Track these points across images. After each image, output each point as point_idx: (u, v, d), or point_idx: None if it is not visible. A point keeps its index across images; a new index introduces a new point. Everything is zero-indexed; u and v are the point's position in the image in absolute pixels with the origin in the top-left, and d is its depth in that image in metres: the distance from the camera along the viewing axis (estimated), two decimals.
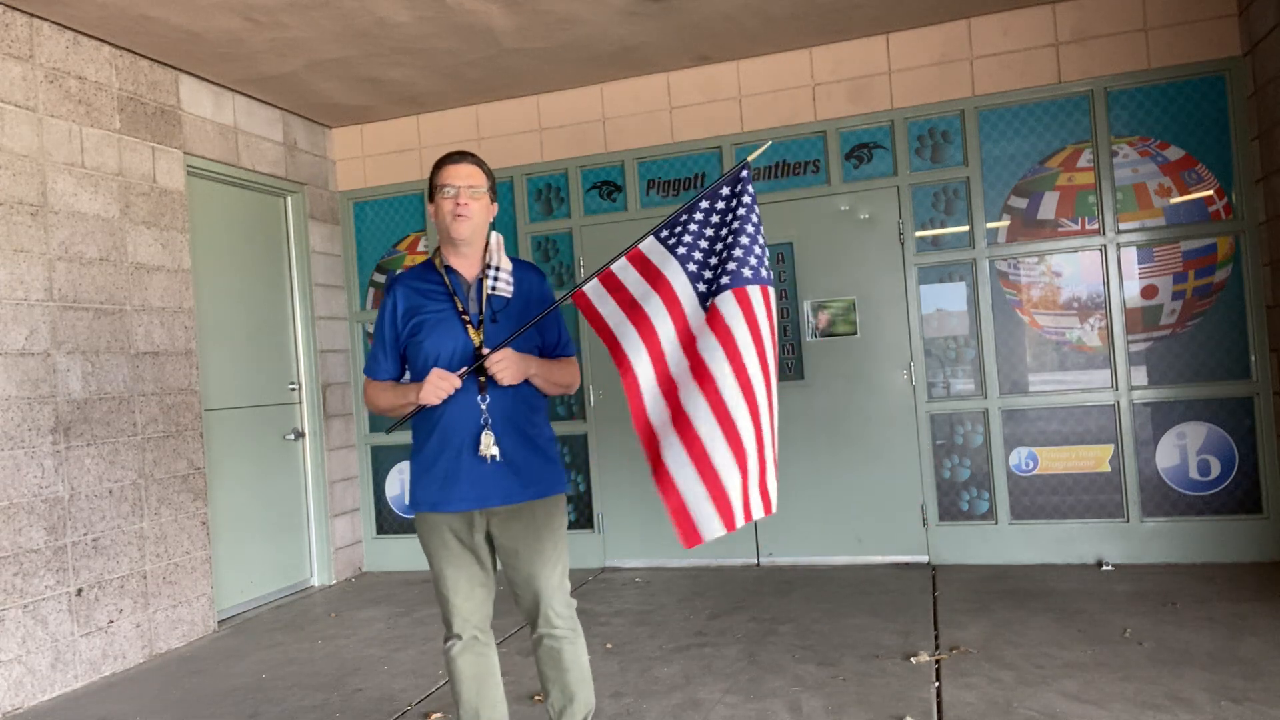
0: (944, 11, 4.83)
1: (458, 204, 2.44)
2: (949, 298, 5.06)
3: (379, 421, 5.99)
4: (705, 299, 2.38)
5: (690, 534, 2.27)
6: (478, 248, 2.53)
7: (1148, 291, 4.75)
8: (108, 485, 4.20)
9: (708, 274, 2.40)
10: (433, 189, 2.51)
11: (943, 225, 5.05)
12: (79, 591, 4.03)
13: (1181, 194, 4.71)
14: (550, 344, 2.56)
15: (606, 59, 5.14)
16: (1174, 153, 4.72)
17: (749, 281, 2.36)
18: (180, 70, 4.84)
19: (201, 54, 4.65)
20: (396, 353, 2.55)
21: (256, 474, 5.28)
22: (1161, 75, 4.70)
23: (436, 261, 2.56)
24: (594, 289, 2.40)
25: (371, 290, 6.06)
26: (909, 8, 4.73)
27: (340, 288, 6.01)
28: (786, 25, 4.83)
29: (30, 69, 4.02)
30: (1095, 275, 4.82)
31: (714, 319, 2.35)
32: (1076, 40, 4.81)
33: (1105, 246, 4.79)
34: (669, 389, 2.34)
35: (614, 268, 2.41)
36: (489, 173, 2.53)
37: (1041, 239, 4.89)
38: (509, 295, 2.49)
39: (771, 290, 2.40)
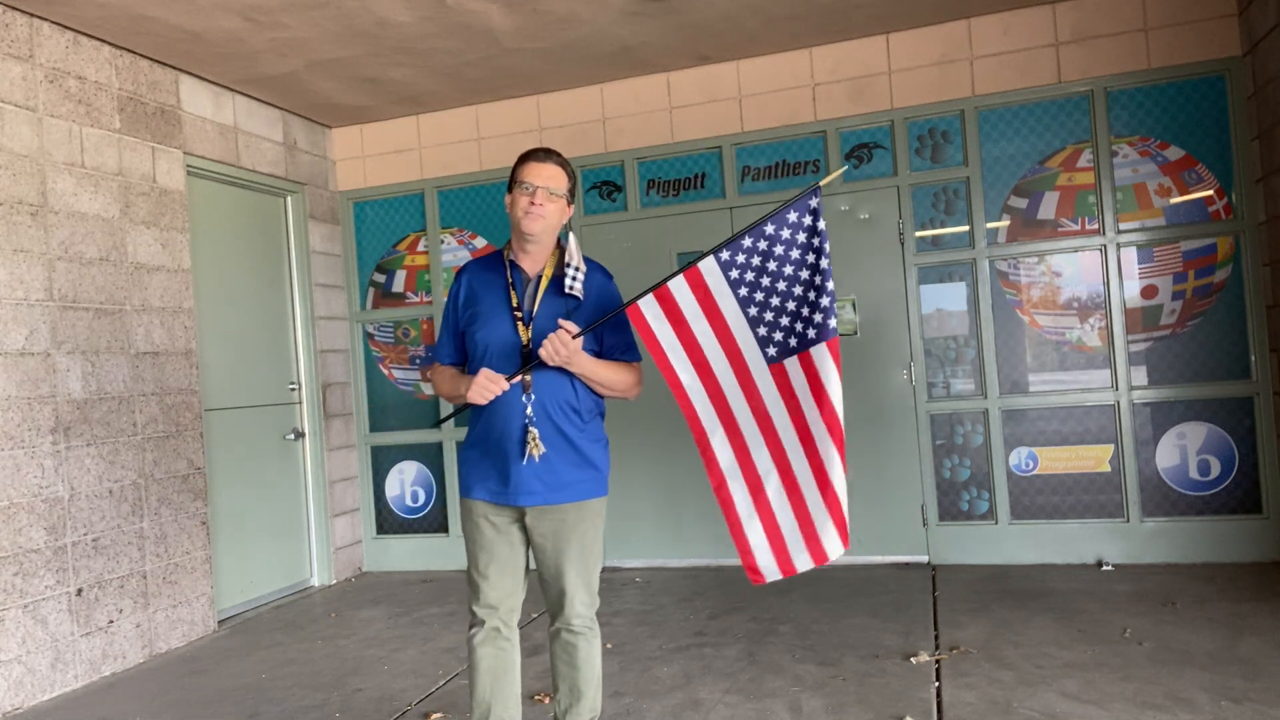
0: (944, 11, 4.83)
1: (533, 203, 2.45)
2: (949, 298, 5.06)
3: (379, 421, 6.00)
4: (766, 346, 2.43)
5: (755, 573, 2.48)
6: (546, 246, 2.54)
7: (1148, 291, 4.75)
8: (108, 485, 4.20)
9: (769, 316, 2.43)
10: (512, 180, 2.52)
11: (943, 225, 5.05)
12: (79, 591, 4.03)
13: (1181, 194, 4.71)
14: (610, 346, 2.56)
15: (606, 59, 5.14)
16: (1174, 153, 4.72)
17: (814, 342, 2.41)
18: (180, 70, 4.84)
19: (201, 54, 4.65)
20: (458, 338, 2.60)
21: (256, 474, 5.28)
22: (1161, 75, 4.70)
23: (505, 253, 2.59)
24: (649, 305, 2.43)
25: (372, 290, 6.06)
26: (909, 8, 4.73)
27: (340, 288, 6.01)
28: (786, 25, 4.83)
29: (30, 69, 4.02)
30: (1095, 275, 4.82)
31: (780, 379, 2.43)
32: (1076, 40, 4.81)
33: (1105, 246, 4.79)
34: (732, 430, 2.43)
35: (670, 285, 2.43)
36: (572, 175, 2.55)
37: (1041, 239, 4.89)
38: (581, 297, 2.50)
39: (838, 340, 2.44)
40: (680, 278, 2.44)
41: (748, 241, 2.44)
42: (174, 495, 4.54)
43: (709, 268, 2.44)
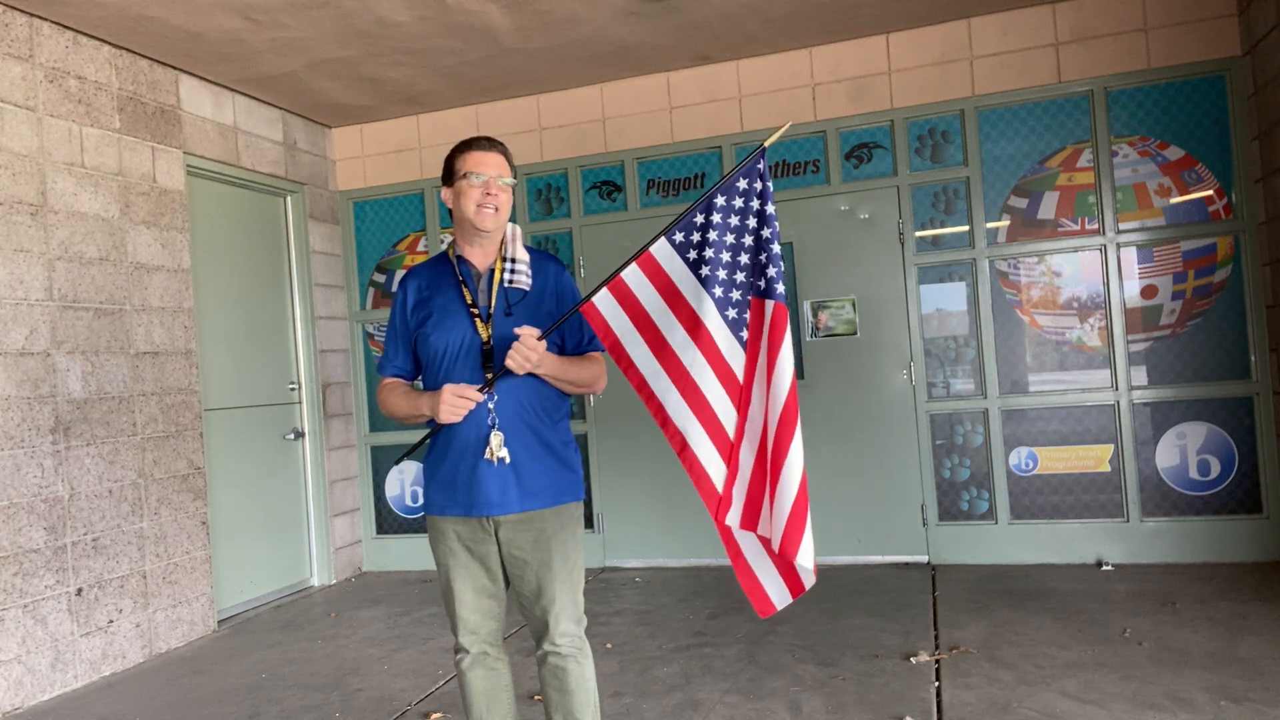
0: (944, 11, 4.83)
1: (487, 194, 2.30)
2: (949, 298, 5.06)
3: (379, 421, 6.00)
4: (737, 324, 2.27)
5: (765, 605, 2.29)
6: (496, 239, 2.39)
7: (1148, 291, 4.75)
8: (108, 485, 4.20)
9: (735, 295, 2.27)
10: (452, 173, 2.36)
11: (943, 225, 5.05)
12: (79, 591, 4.03)
13: (1181, 194, 4.71)
14: (573, 341, 2.41)
15: (606, 59, 5.14)
16: (1174, 153, 4.72)
17: (765, 295, 2.27)
18: (180, 70, 4.84)
19: (201, 54, 4.65)
20: (409, 347, 2.44)
21: (256, 474, 5.28)
22: (1161, 75, 4.70)
23: (450, 252, 2.43)
24: (604, 300, 2.26)
25: (371, 290, 6.06)
26: (909, 8, 4.73)
27: (340, 288, 6.01)
28: (786, 25, 4.83)
29: (30, 69, 4.02)
30: (1095, 275, 4.82)
31: (752, 351, 2.27)
32: (1076, 40, 4.81)
33: (1105, 246, 4.79)
34: (706, 416, 2.25)
35: (624, 276, 2.26)
36: (513, 164, 2.41)
37: (1041, 239, 4.89)
38: (527, 288, 2.36)
39: (785, 309, 2.27)
40: (633, 266, 2.27)
41: (699, 218, 2.29)
42: (174, 495, 4.54)
43: (661, 250, 2.28)
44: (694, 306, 2.27)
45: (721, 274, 2.27)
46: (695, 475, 2.25)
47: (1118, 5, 4.74)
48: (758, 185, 2.30)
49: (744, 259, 2.29)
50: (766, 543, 2.27)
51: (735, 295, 2.28)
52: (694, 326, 2.27)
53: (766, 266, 2.28)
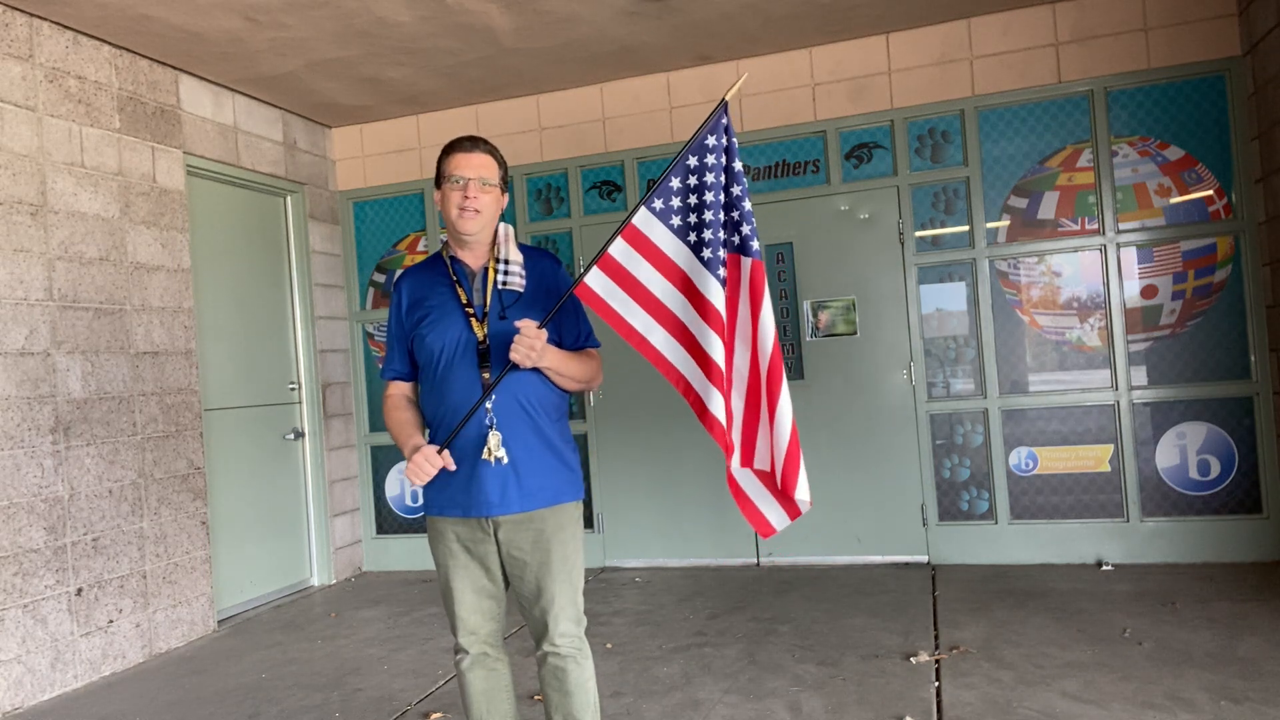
0: (944, 11, 4.83)
1: (466, 197, 2.28)
2: (949, 298, 5.06)
3: (379, 421, 5.99)
4: (715, 269, 2.31)
5: (765, 528, 2.43)
6: (485, 240, 2.37)
7: (1147, 291, 4.75)
8: (108, 485, 4.20)
9: (721, 254, 2.31)
10: (440, 176, 2.34)
11: (943, 225, 5.05)
12: (79, 591, 4.03)
13: (1181, 194, 4.71)
14: (570, 338, 2.39)
15: (606, 59, 5.14)
16: (1174, 153, 4.72)
17: (740, 250, 2.35)
18: (180, 70, 4.84)
19: (201, 54, 4.65)
20: (407, 349, 2.43)
21: (256, 474, 5.28)
22: (1161, 75, 4.70)
23: (444, 252, 2.43)
24: (596, 279, 2.28)
25: (371, 290, 6.06)
26: (909, 8, 4.73)
27: (340, 288, 6.01)
28: (786, 25, 4.83)
29: (30, 69, 4.02)
30: (1095, 275, 4.82)
31: (733, 296, 2.34)
32: (1076, 40, 4.81)
33: (1105, 246, 4.79)
34: (714, 374, 2.31)
35: (612, 251, 2.29)
36: (502, 161, 2.37)
37: (1041, 239, 4.89)
38: (520, 290, 2.34)
39: (762, 264, 2.36)
40: (619, 240, 2.28)
41: (675, 182, 2.32)
42: (174, 495, 4.54)
43: (644, 220, 2.31)
44: (686, 271, 2.33)
45: (707, 235, 2.32)
46: (716, 434, 2.33)
47: (1118, 5, 4.74)
48: (724, 141, 2.34)
49: (720, 216, 2.34)
50: (762, 475, 2.41)
51: (721, 254, 2.33)
52: (691, 292, 2.32)
53: (740, 224, 2.34)
